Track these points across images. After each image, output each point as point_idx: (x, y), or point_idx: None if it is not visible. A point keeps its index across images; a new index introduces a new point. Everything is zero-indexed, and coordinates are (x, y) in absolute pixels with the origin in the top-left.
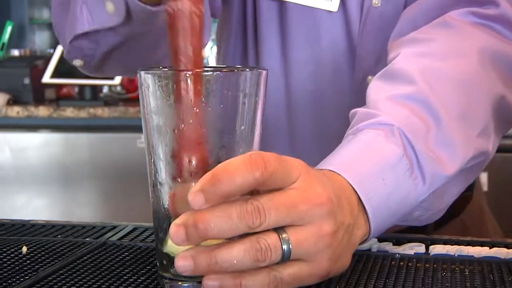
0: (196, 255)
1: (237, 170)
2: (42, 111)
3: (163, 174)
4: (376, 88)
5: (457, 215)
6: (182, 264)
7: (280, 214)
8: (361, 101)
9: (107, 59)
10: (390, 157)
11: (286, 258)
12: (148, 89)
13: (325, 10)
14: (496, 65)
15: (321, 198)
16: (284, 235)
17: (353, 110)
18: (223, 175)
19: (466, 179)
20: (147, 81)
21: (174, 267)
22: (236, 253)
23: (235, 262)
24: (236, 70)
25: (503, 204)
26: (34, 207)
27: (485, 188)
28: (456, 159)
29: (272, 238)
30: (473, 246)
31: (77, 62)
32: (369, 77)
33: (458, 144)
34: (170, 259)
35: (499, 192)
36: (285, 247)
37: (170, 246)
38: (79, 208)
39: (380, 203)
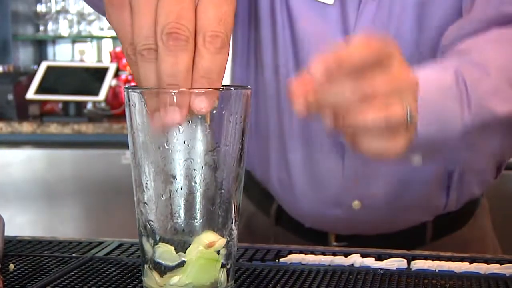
0: None
1: (357, 52)
2: (26, 127)
3: (149, 191)
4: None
5: (459, 228)
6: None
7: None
8: None
9: None
10: (445, 81)
11: None
12: (134, 107)
13: (322, 2)
14: None
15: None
16: None
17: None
18: (344, 56)
19: (508, 134)
20: (133, 99)
21: None
22: None
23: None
24: (220, 89)
25: (500, 223)
26: (17, 223)
27: None
28: (504, 104)
29: None
30: (454, 261)
31: None
32: None
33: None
34: (157, 270)
35: (495, 211)
36: None
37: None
38: (63, 225)
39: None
